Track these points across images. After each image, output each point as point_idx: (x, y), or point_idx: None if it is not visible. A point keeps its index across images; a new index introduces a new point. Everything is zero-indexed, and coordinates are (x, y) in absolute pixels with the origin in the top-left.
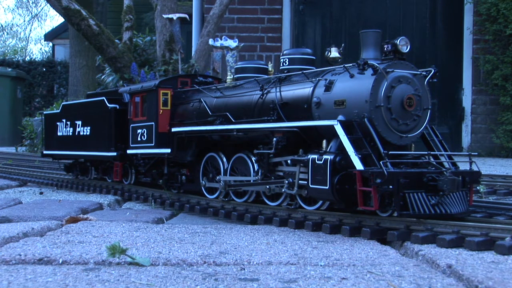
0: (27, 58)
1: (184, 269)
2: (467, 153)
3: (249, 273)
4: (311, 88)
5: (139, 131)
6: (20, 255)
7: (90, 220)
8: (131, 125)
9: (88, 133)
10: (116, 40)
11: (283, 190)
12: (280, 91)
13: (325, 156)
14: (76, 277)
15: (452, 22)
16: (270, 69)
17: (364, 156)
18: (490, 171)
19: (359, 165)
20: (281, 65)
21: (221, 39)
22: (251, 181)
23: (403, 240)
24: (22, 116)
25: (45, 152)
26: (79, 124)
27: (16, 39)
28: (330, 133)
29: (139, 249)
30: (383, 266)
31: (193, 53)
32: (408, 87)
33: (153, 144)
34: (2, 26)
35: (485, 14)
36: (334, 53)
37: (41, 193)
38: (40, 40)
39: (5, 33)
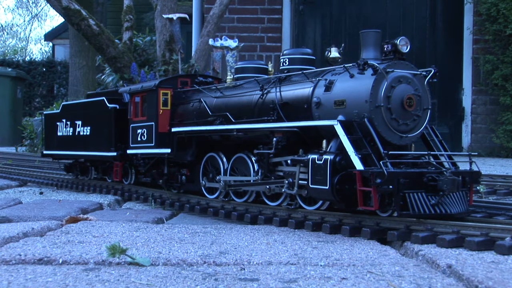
0: (27, 58)
1: (184, 269)
2: (467, 153)
3: (249, 273)
4: (311, 88)
5: (139, 131)
6: (20, 255)
7: (90, 220)
8: (131, 125)
9: (88, 133)
10: (116, 40)
11: (283, 190)
12: (280, 91)
13: (325, 156)
14: (76, 277)
15: (452, 22)
16: (270, 69)
17: (364, 156)
18: (490, 171)
19: (359, 165)
20: (281, 65)
21: (221, 39)
22: (251, 181)
23: (403, 240)
24: (22, 116)
25: (45, 152)
26: (79, 124)
27: (16, 39)
28: (330, 133)
29: (139, 249)
30: (383, 266)
31: (193, 53)
32: (408, 87)
33: (153, 144)
34: (2, 26)
35: (485, 14)
36: (334, 53)
37: (41, 193)
38: (40, 40)
39: (5, 33)
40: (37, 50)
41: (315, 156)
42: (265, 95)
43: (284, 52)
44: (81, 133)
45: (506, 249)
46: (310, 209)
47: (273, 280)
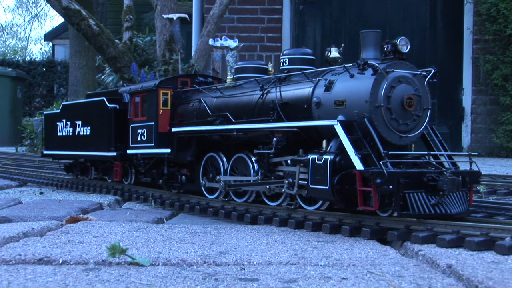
0: (27, 58)
1: (184, 269)
2: (467, 153)
3: (249, 273)
4: (311, 88)
5: (139, 131)
6: (20, 255)
7: (90, 220)
8: (131, 125)
9: (88, 133)
10: (116, 40)
11: (283, 190)
12: (280, 91)
13: (325, 156)
14: (76, 277)
15: (452, 22)
16: (270, 69)
17: (364, 156)
18: (490, 171)
19: (359, 165)
20: (281, 65)
21: (221, 39)
22: (251, 181)
23: (403, 240)
24: (22, 116)
25: (45, 152)
26: (79, 124)
27: (16, 39)
28: (330, 133)
29: (139, 249)
30: (383, 266)
31: (193, 53)
32: (408, 87)
33: (153, 144)
34: (2, 26)
35: (485, 14)
36: (334, 53)
37: (41, 193)
38: (40, 40)
39: (5, 33)
40: (37, 50)
41: (315, 156)
42: (265, 95)
43: (284, 52)
44: (81, 133)
45: (506, 249)
46: (310, 209)
47: (273, 280)
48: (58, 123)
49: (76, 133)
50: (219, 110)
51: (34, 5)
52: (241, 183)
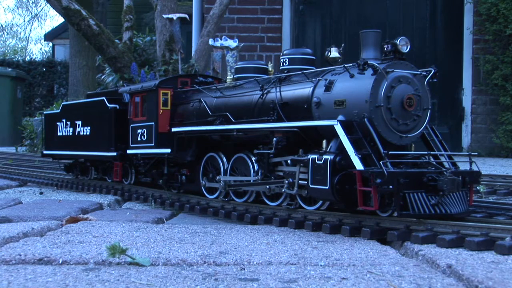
0: (27, 58)
1: (184, 269)
2: (467, 153)
3: (249, 273)
4: (311, 88)
5: (139, 131)
6: (20, 255)
7: (90, 220)
8: (131, 125)
9: (88, 133)
10: (116, 40)
11: (283, 190)
12: (280, 91)
13: (325, 156)
14: (76, 277)
15: (452, 22)
16: (270, 69)
17: (364, 156)
18: (490, 171)
19: (359, 165)
20: (281, 65)
21: (221, 39)
22: (251, 181)
23: (403, 240)
24: (22, 116)
25: (45, 152)
26: (79, 124)
27: (16, 39)
28: (330, 133)
29: (139, 249)
30: (383, 266)
31: (193, 53)
32: (408, 87)
33: (153, 144)
34: (2, 26)
35: (485, 14)
36: (334, 53)
37: (41, 193)
38: (40, 40)
39: (5, 33)
40: (37, 50)
41: (315, 156)
42: (265, 95)
43: (284, 52)
44: (81, 133)
45: (506, 249)
46: (310, 209)
47: (273, 280)
48: (58, 123)
49: (76, 133)
50: (219, 110)
51: (34, 5)
52: (241, 183)
